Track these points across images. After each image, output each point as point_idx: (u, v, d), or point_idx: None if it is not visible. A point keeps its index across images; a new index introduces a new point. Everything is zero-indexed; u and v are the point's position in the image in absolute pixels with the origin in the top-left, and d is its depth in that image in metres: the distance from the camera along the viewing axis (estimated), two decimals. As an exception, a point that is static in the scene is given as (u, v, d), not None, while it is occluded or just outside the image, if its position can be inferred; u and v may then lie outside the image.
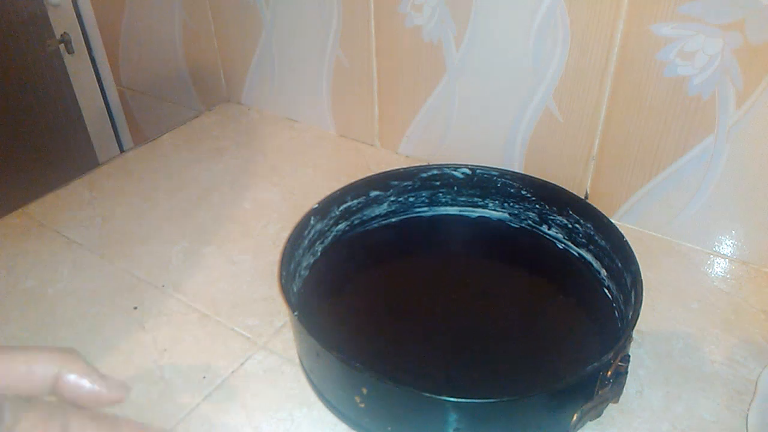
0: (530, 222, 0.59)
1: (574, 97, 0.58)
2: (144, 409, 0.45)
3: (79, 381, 0.28)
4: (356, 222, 0.59)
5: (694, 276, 0.56)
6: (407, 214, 0.61)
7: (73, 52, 1.01)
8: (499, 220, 0.61)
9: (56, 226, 0.63)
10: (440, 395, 0.37)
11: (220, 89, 0.87)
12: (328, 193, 0.56)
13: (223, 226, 0.63)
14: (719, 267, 0.57)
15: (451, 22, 0.61)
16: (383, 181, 0.59)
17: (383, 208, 0.60)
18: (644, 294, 0.45)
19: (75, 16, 0.97)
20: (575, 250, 0.56)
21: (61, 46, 1.01)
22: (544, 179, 0.57)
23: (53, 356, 0.28)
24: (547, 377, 0.46)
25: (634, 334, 0.46)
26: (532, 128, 0.62)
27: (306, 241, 0.54)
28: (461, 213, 0.62)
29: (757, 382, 0.44)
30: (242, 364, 0.48)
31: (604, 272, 0.53)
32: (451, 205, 0.62)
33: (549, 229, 0.58)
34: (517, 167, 0.65)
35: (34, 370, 0.27)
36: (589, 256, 0.55)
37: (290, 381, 0.47)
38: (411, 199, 0.61)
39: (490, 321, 0.51)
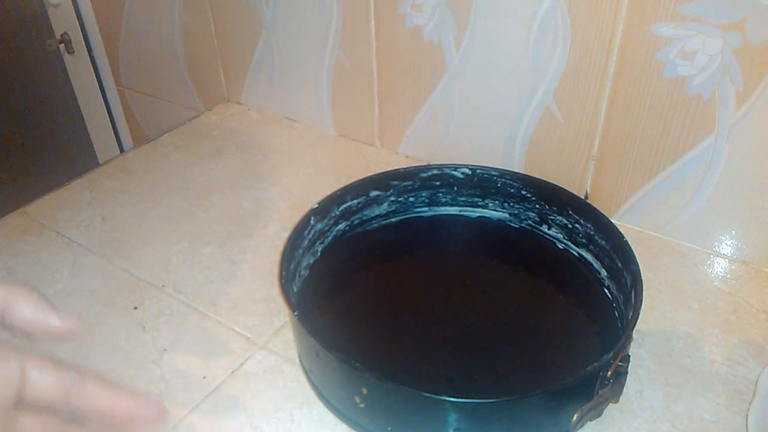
0: (530, 222, 0.59)
1: (574, 97, 0.58)
2: (144, 409, 0.45)
3: (28, 312, 0.26)
4: (356, 222, 0.59)
5: (694, 276, 0.56)
6: (407, 214, 0.61)
7: (73, 52, 1.01)
8: (499, 220, 0.61)
9: (56, 226, 0.63)
10: (440, 395, 0.37)
11: (220, 89, 0.87)
12: (328, 193, 0.56)
13: (223, 226, 0.63)
14: (719, 267, 0.57)
15: (451, 22, 0.61)
16: (383, 181, 0.59)
17: (383, 208, 0.60)
18: (644, 294, 0.45)
19: (75, 16, 0.97)
20: (575, 250, 0.56)
21: (61, 46, 1.01)
22: (544, 179, 0.57)
23: (1, 287, 0.26)
24: (547, 377, 0.46)
25: (634, 334, 0.46)
26: (532, 128, 0.62)
27: (306, 241, 0.54)
28: (461, 213, 0.62)
29: (757, 382, 0.44)
30: (242, 364, 0.48)
31: (604, 272, 0.53)
32: (451, 205, 0.62)
33: (549, 229, 0.58)
34: (517, 167, 0.65)
35: None
36: (589, 256, 0.55)
37: (290, 381, 0.47)
38: (411, 199, 0.61)
39: (490, 321, 0.51)
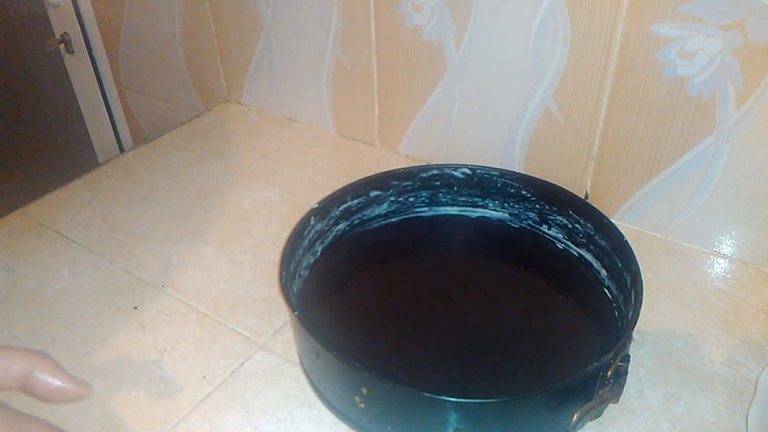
0: (530, 222, 0.59)
1: (574, 97, 0.58)
2: (144, 409, 0.45)
3: (48, 379, 0.31)
4: (356, 222, 0.59)
5: (694, 276, 0.56)
6: (407, 214, 0.61)
7: (73, 52, 1.01)
8: (499, 220, 0.61)
9: (56, 226, 0.63)
10: (440, 395, 0.37)
11: (220, 89, 0.87)
12: (328, 193, 0.56)
13: (223, 226, 0.63)
14: (719, 267, 0.57)
15: (451, 22, 0.61)
16: (383, 181, 0.59)
17: (383, 208, 0.60)
18: (644, 294, 0.45)
19: (75, 16, 0.97)
20: (575, 250, 0.56)
21: (61, 46, 1.01)
22: (544, 179, 0.57)
23: (27, 356, 0.31)
24: (547, 377, 0.46)
25: (634, 334, 0.46)
26: (532, 128, 0.62)
27: (306, 241, 0.54)
28: (461, 213, 0.62)
29: (757, 382, 0.44)
30: (242, 364, 0.48)
31: (604, 272, 0.53)
32: (451, 205, 0.62)
33: (549, 229, 0.58)
34: (517, 167, 0.65)
35: (9, 368, 0.30)
36: (589, 256, 0.55)
37: (290, 381, 0.47)
38: (411, 199, 0.61)
39: (490, 321, 0.51)
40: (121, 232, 0.63)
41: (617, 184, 0.60)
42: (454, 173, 0.60)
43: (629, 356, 0.42)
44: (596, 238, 0.54)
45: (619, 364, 0.40)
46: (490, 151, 0.66)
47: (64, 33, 0.99)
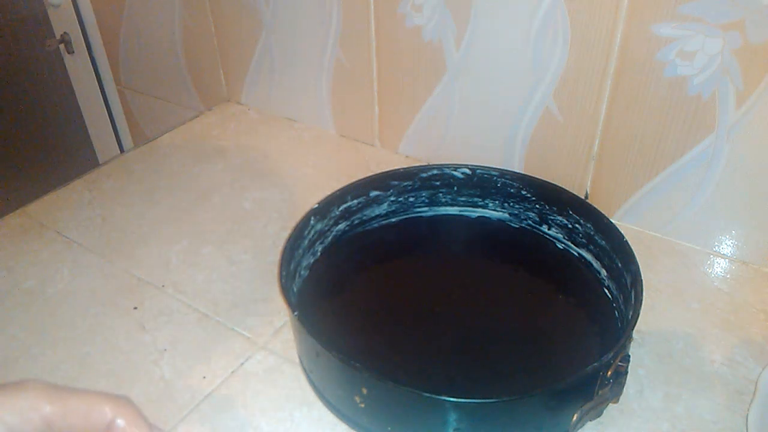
0: (530, 222, 0.59)
1: (574, 97, 0.58)
2: (144, 409, 0.45)
3: (129, 428, 0.30)
4: (356, 222, 0.59)
5: (694, 276, 0.56)
6: (407, 214, 0.61)
7: (73, 52, 1.01)
8: (499, 220, 0.61)
9: (56, 226, 0.63)
10: (440, 395, 0.37)
11: (220, 89, 0.87)
12: (328, 193, 0.56)
13: (223, 226, 0.63)
14: (719, 267, 0.57)
15: (451, 22, 0.61)
16: (383, 181, 0.59)
17: (383, 208, 0.60)
18: (644, 294, 0.45)
19: (75, 16, 0.97)
20: (575, 250, 0.56)
21: (61, 46, 1.01)
22: (544, 179, 0.57)
23: (110, 402, 0.30)
24: (547, 377, 0.46)
25: (634, 334, 0.46)
26: (532, 128, 0.62)
27: (306, 241, 0.54)
28: (461, 213, 0.62)
29: (757, 382, 0.44)
30: (242, 364, 0.48)
31: (604, 272, 0.53)
32: (451, 205, 0.62)
33: (549, 229, 0.58)
34: (517, 167, 0.65)
35: (91, 414, 0.29)
36: (589, 256, 0.55)
37: (290, 381, 0.47)
38: (411, 199, 0.61)
39: (490, 321, 0.51)
40: (121, 232, 0.63)
41: (617, 184, 0.60)
42: (454, 173, 0.60)
43: (629, 356, 0.42)
44: (596, 238, 0.54)
45: (619, 364, 0.40)
46: (490, 151, 0.66)
47: (64, 33, 1.00)
